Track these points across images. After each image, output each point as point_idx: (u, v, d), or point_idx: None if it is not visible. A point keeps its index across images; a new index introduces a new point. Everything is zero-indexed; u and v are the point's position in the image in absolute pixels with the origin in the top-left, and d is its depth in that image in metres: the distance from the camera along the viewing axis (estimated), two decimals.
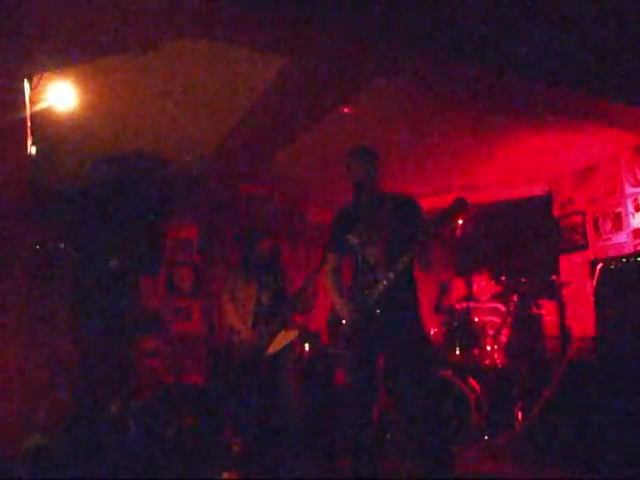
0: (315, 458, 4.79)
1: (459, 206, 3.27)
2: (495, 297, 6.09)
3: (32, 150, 3.77)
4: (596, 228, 6.65)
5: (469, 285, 6.29)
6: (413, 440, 3.35)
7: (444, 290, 6.75)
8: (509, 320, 5.86)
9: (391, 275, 3.24)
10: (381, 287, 3.27)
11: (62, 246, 5.53)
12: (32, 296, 3.70)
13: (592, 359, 4.83)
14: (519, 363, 5.83)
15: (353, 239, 3.44)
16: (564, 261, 7.05)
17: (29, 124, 3.66)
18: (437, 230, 3.25)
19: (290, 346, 4.80)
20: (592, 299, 4.95)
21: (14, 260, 3.47)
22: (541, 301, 6.19)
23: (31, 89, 3.75)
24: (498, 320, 5.86)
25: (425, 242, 3.23)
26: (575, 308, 6.31)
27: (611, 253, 6.26)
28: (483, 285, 6.22)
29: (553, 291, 6.27)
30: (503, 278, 6.08)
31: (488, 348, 5.72)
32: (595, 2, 4.07)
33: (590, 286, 5.84)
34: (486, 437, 5.06)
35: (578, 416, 4.23)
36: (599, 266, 4.93)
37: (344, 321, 3.43)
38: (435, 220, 3.25)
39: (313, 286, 4.72)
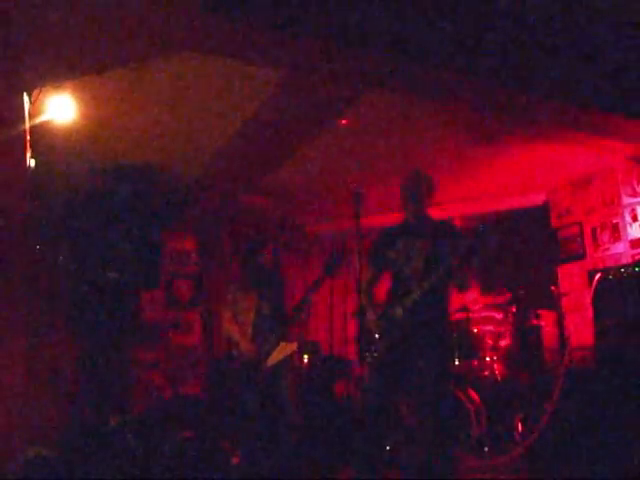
0: (315, 469, 4.78)
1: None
2: (491, 306, 6.09)
3: (31, 163, 3.79)
4: (594, 238, 6.66)
5: (466, 296, 6.29)
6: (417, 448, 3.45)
7: None
8: (507, 330, 5.86)
9: (425, 285, 3.46)
10: (414, 296, 3.48)
11: (61, 259, 5.53)
12: (31, 308, 3.70)
13: (591, 368, 4.83)
14: (519, 374, 5.83)
15: (395, 255, 3.66)
16: (562, 271, 7.05)
17: (28, 137, 3.68)
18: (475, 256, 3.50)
19: (289, 358, 4.80)
20: (590, 309, 4.96)
21: (14, 273, 3.48)
22: (540, 311, 6.19)
23: (30, 103, 3.78)
24: (495, 329, 5.86)
25: (464, 265, 3.46)
26: (574, 318, 6.31)
27: (609, 263, 6.27)
28: (480, 295, 6.22)
29: (552, 301, 6.27)
30: (501, 289, 6.08)
31: (487, 359, 5.72)
32: (587, 18, 4.11)
33: (588, 296, 5.84)
34: (486, 448, 5.05)
35: (577, 425, 4.23)
36: (597, 276, 4.93)
37: (376, 334, 3.60)
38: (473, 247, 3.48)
39: (311, 299, 4.74)
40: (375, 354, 3.57)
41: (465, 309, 6.17)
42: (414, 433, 3.84)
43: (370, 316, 3.65)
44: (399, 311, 3.51)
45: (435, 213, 3.85)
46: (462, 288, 3.67)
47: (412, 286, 3.53)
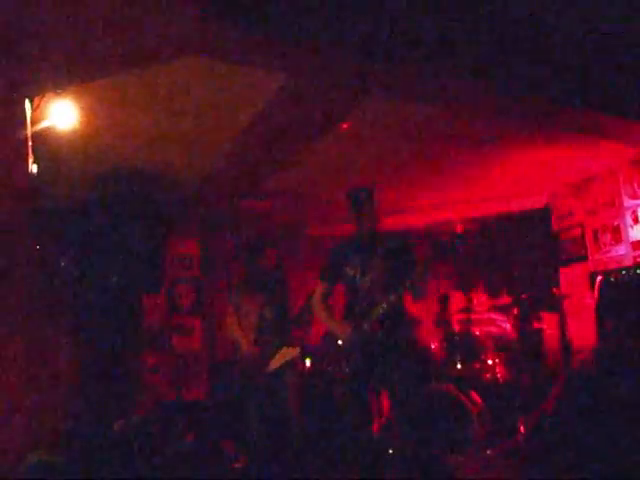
0: (317, 473, 4.78)
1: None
2: (493, 308, 6.10)
3: (33, 169, 3.80)
4: (595, 240, 6.66)
5: (468, 298, 6.31)
6: (410, 452, 3.52)
7: (444, 303, 6.77)
8: (509, 332, 5.87)
9: (392, 298, 3.61)
10: (380, 310, 3.63)
11: (63, 264, 5.54)
12: (34, 314, 3.72)
13: (593, 370, 4.82)
14: (521, 376, 5.83)
15: (350, 270, 3.79)
16: (563, 274, 7.06)
17: (30, 144, 3.70)
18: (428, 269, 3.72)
19: (292, 362, 4.81)
20: (592, 311, 4.96)
21: (16, 278, 3.49)
22: (542, 314, 6.20)
23: (32, 109, 3.79)
24: (497, 331, 5.87)
25: (419, 277, 3.64)
26: (575, 320, 6.32)
27: (611, 265, 6.28)
28: (482, 298, 6.24)
29: (554, 304, 6.28)
30: (503, 291, 6.10)
31: (489, 362, 5.72)
32: (589, 19, 4.12)
33: (590, 298, 5.85)
34: (488, 451, 5.05)
35: (578, 428, 4.23)
36: (599, 278, 4.94)
37: (341, 342, 3.74)
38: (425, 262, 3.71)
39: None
40: (347, 368, 3.70)
41: (467, 310, 6.19)
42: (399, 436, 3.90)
43: (341, 330, 3.76)
44: (366, 324, 3.64)
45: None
46: (418, 297, 3.81)
47: (369, 299, 3.68)
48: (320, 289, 3.98)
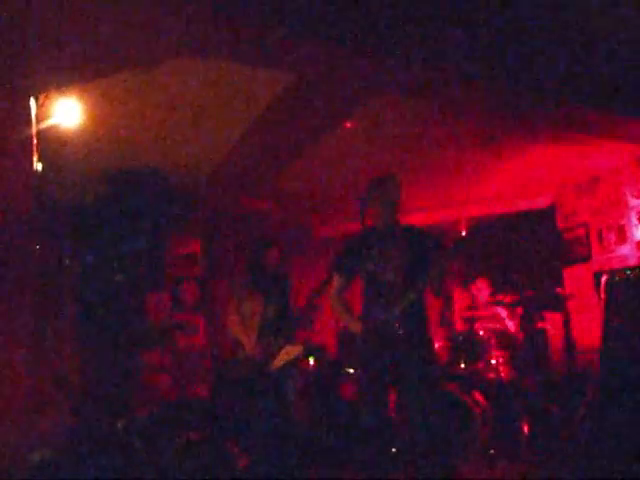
0: (319, 472, 4.79)
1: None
2: (497, 303, 6.08)
3: (38, 167, 3.80)
4: (600, 240, 6.65)
5: (472, 297, 6.30)
6: (417, 451, 3.48)
7: (448, 302, 6.77)
8: (513, 332, 5.85)
9: (411, 296, 3.44)
10: (400, 307, 3.45)
11: (67, 262, 5.55)
12: (37, 311, 3.71)
13: (598, 371, 4.81)
14: (525, 376, 5.81)
15: (369, 264, 3.58)
16: (568, 273, 7.05)
17: (35, 141, 3.70)
18: (450, 262, 3.61)
19: (294, 361, 4.80)
20: (596, 311, 4.95)
21: (19, 276, 3.49)
22: (546, 313, 6.18)
23: (37, 107, 3.80)
24: (500, 327, 5.85)
25: (439, 272, 3.48)
26: (579, 320, 6.30)
27: (615, 265, 6.26)
28: (485, 295, 6.21)
29: (558, 303, 6.26)
30: (507, 290, 6.08)
31: (493, 362, 5.70)
32: (591, 18, 4.11)
33: (594, 298, 5.84)
34: (492, 451, 5.04)
35: (583, 429, 4.22)
36: (604, 278, 4.91)
37: (358, 337, 3.61)
38: (448, 253, 3.58)
39: (317, 302, 4.74)
40: (363, 363, 3.61)
41: (470, 308, 6.18)
42: (410, 435, 3.83)
43: (353, 326, 3.66)
44: (385, 319, 3.48)
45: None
46: (437, 294, 3.66)
47: (390, 293, 3.49)
48: (336, 282, 3.76)
